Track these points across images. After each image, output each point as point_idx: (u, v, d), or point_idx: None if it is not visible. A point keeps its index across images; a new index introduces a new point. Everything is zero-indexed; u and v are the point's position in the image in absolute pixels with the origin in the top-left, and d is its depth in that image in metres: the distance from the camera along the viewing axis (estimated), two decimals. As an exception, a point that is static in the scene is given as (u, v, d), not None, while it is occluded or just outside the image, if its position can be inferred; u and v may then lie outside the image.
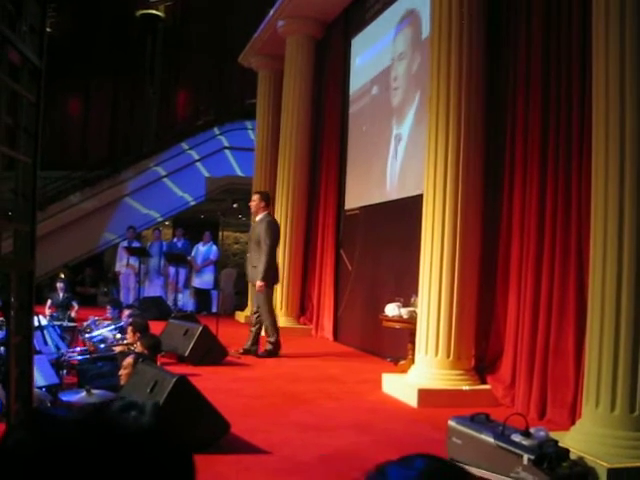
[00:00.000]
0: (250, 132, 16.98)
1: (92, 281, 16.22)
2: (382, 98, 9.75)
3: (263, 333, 8.78)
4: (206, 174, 16.90)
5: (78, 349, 6.70)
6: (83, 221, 15.88)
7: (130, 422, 1.13)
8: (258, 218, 8.86)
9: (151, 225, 16.52)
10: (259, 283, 8.52)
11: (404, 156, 8.98)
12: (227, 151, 17.12)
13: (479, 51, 6.56)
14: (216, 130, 17.16)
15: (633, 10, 4.30)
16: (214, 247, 14.54)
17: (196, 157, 16.93)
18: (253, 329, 8.81)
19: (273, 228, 8.72)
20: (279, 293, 11.38)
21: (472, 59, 6.47)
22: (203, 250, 14.51)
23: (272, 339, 8.64)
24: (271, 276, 8.66)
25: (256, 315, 8.81)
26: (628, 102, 4.29)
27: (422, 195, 6.76)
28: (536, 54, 6.12)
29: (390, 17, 9.67)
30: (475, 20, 6.52)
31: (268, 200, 9.11)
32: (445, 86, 6.45)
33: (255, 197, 9.02)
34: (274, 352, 8.61)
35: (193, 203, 16.83)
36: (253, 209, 8.96)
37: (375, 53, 10.22)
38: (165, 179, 16.67)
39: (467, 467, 3.94)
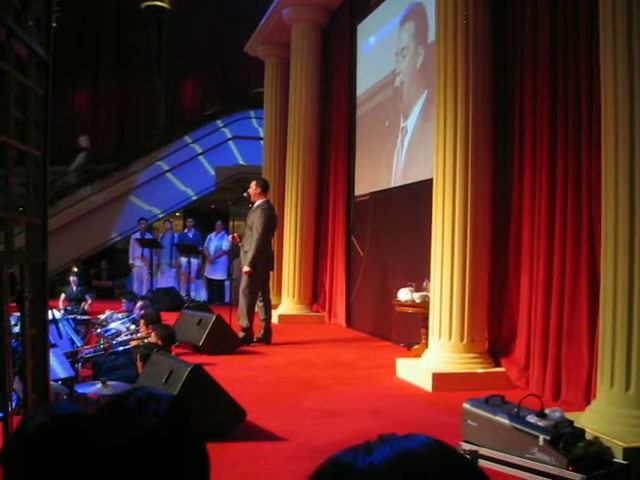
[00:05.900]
0: (254, 121, 17.10)
1: (108, 274, 16.26)
2: (389, 88, 9.71)
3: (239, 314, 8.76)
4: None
5: (93, 347, 6.72)
6: (93, 214, 15.89)
7: (148, 414, 1.15)
8: (255, 205, 8.88)
9: (163, 216, 16.62)
10: (245, 269, 8.58)
11: (410, 140, 8.95)
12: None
13: (486, 33, 6.52)
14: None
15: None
16: (226, 237, 14.54)
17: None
18: (263, 317, 8.84)
19: (266, 215, 8.69)
20: (291, 281, 11.40)
21: (479, 41, 6.42)
22: (216, 240, 14.52)
23: (243, 324, 8.60)
24: (261, 262, 8.65)
25: (262, 304, 8.83)
26: (636, 75, 4.25)
27: (432, 179, 6.74)
28: (543, 30, 6.07)
29: (395, 3, 9.61)
30: (481, 3, 6.47)
31: (265, 187, 9.07)
32: (452, 70, 6.42)
33: (252, 184, 8.99)
34: (248, 339, 8.57)
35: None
36: (251, 196, 8.95)
37: (381, 40, 10.17)
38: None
39: (482, 449, 3.95)
